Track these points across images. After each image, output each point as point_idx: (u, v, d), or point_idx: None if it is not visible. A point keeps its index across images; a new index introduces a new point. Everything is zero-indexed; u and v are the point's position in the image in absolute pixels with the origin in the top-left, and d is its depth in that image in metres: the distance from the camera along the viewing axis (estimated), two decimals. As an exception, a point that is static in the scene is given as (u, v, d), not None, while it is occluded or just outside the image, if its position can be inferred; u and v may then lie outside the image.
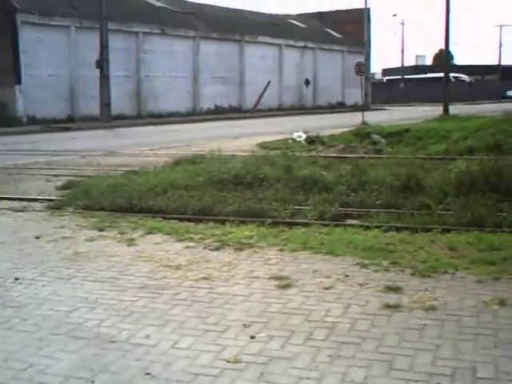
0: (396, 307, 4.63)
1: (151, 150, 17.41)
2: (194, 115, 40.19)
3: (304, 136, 18.56)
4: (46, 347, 4.11)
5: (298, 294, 4.99)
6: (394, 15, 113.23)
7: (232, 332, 4.27)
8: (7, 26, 32.46)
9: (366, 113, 28.03)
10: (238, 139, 20.88)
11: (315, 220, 7.48)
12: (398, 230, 6.93)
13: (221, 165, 10.58)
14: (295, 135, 18.85)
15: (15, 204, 9.35)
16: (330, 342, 4.06)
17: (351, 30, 55.20)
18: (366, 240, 6.49)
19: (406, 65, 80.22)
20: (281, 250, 6.29)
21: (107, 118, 32.29)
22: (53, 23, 34.11)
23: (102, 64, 32.43)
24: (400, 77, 73.55)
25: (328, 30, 57.93)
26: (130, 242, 6.75)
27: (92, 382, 3.62)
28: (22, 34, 32.66)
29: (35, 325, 4.51)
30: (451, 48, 36.25)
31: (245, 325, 4.38)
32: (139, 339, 4.19)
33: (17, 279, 5.59)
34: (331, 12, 59.97)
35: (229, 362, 3.81)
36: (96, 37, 32.83)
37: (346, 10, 57.28)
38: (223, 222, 7.45)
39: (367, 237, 6.64)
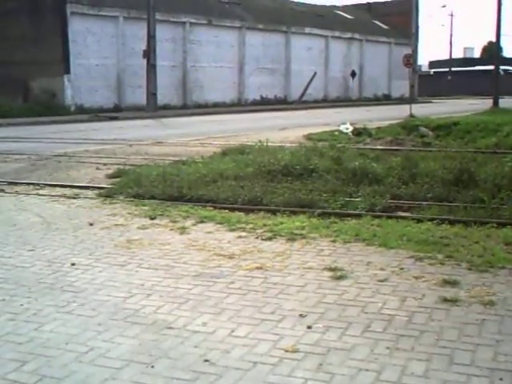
0: (454, 301, 4.57)
1: (197, 139, 17.50)
2: (239, 106, 40.28)
3: (351, 128, 18.44)
4: (106, 332, 4.17)
5: (353, 286, 4.96)
6: (443, 6, 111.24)
7: (288, 322, 4.27)
8: (57, 16, 32.94)
9: (412, 105, 27.69)
10: (284, 130, 20.85)
11: (366, 212, 7.43)
12: (451, 223, 6.83)
13: (270, 155, 10.57)
14: (342, 127, 18.75)
15: (67, 191, 9.51)
16: (388, 335, 4.03)
17: (399, 21, 54.61)
18: (420, 233, 6.42)
19: (453, 57, 78.97)
20: (333, 242, 6.26)
21: (153, 108, 32.56)
22: (101, 13, 34.50)
23: (149, 54, 32.68)
24: (447, 69, 72.49)
25: (375, 22, 57.37)
26: (182, 230, 6.80)
27: (152, 366, 3.66)
28: (72, 24, 33.12)
29: (93, 310, 4.57)
30: (501, 40, 35.53)
31: (301, 315, 4.37)
32: (196, 326, 4.22)
33: (73, 264, 5.68)
34: (380, 3, 59.43)
35: (287, 351, 3.81)
36: (143, 27, 33.10)
37: (395, 2, 56.61)
38: (274, 213, 7.45)
39: (420, 230, 6.56)
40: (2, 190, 9.70)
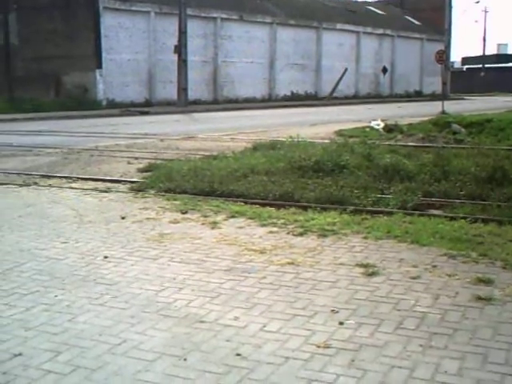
0: (488, 300, 4.52)
1: (228, 135, 17.54)
2: (269, 101, 40.27)
3: (382, 124, 18.32)
4: (138, 324, 4.20)
5: (385, 283, 4.93)
6: (477, 2, 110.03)
7: (320, 317, 4.26)
8: (90, 11, 33.23)
9: (444, 102, 27.42)
10: (315, 126, 20.80)
11: (398, 209, 7.38)
12: (484, 221, 6.75)
13: (301, 151, 10.55)
14: (373, 123, 18.64)
15: (99, 185, 9.59)
16: (421, 332, 4.00)
17: (431, 17, 54.11)
18: (453, 230, 6.36)
19: (487, 53, 77.99)
20: (365, 238, 6.23)
21: (184, 103, 32.70)
22: (133, 8, 34.72)
23: (180, 49, 32.81)
24: (480, 66, 71.61)
25: (407, 17, 56.91)
26: (214, 225, 6.82)
27: (185, 359, 3.68)
28: (104, 19, 33.38)
29: (126, 302, 4.61)
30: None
31: (333, 311, 4.36)
32: (228, 320, 4.23)
33: (106, 257, 5.73)
34: (412, -2, 58.90)
35: (319, 347, 3.81)
36: (175, 22, 33.24)
37: (427, -3, 56.11)
38: (305, 208, 7.43)
39: (453, 227, 6.49)
40: (36, 183, 9.82)
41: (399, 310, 4.37)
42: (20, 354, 3.78)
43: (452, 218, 6.88)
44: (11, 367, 3.62)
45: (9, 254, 5.92)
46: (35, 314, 4.41)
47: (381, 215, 7.15)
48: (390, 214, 7.18)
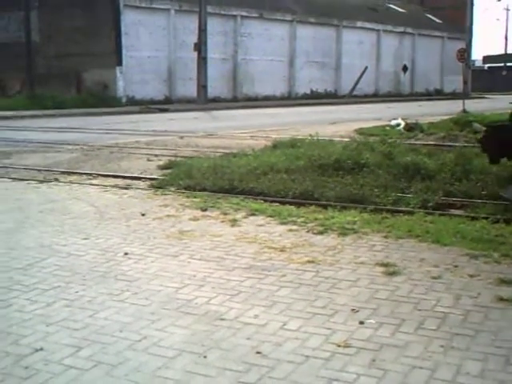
0: (510, 301, 4.47)
1: (248, 132, 17.54)
2: (289, 99, 40.23)
3: (402, 123, 18.21)
4: (159, 321, 4.21)
5: (406, 282, 4.90)
6: (499, 0, 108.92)
7: (340, 316, 4.24)
8: (110, 8, 33.38)
9: (465, 101, 27.22)
10: (335, 124, 20.74)
11: (418, 208, 7.33)
12: (506, 221, 6.69)
13: (320, 149, 10.52)
14: (393, 122, 18.54)
15: (119, 181, 9.64)
16: (442, 333, 3.97)
17: (452, 15, 53.72)
18: (474, 230, 6.30)
19: (509, 52, 77.30)
20: (385, 237, 6.20)
21: (204, 100, 32.75)
22: (153, 6, 34.83)
23: (200, 47, 32.87)
24: (502, 64, 71.00)
25: (428, 16, 56.56)
26: (233, 222, 6.82)
27: (205, 357, 3.68)
28: (124, 16, 33.53)
29: (146, 299, 4.62)
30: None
31: (353, 310, 4.34)
32: (248, 318, 4.23)
33: (126, 254, 5.75)
34: (433, -4, 58.53)
35: (339, 346, 3.79)
36: (195, 20, 33.31)
37: (449, -5, 55.74)
38: (325, 207, 7.40)
39: (475, 227, 6.44)
40: (57, 180, 9.88)
41: (420, 310, 4.34)
42: (41, 349, 3.81)
43: (473, 218, 6.82)
44: (33, 362, 3.65)
45: (30, 249, 5.96)
46: (56, 310, 4.44)
47: (401, 214, 7.11)
48: (410, 213, 7.13)
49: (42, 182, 9.73)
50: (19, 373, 3.52)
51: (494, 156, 7.89)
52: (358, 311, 4.33)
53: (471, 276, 5.03)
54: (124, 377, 3.47)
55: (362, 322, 4.14)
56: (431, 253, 5.67)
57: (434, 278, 4.99)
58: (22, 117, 24.71)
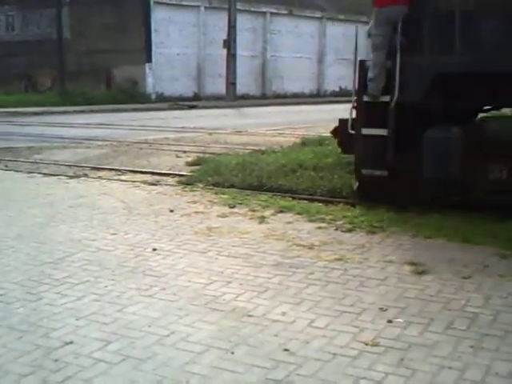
0: (541, 302, 4.42)
1: (276, 129, 17.52)
2: (318, 97, 40.08)
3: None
4: (186, 316, 4.23)
5: (435, 282, 4.86)
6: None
7: (368, 315, 4.22)
8: (140, 6, 33.54)
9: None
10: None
11: (448, 207, 7.24)
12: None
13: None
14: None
15: (148, 177, 9.70)
16: (472, 333, 3.93)
17: None
18: (505, 230, 6.22)
19: None
20: (414, 236, 6.15)
21: (232, 97, 32.76)
22: (183, 3, 34.89)
23: (230, 44, 32.87)
24: None
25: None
26: (262, 219, 6.82)
27: (232, 353, 3.69)
28: (155, 13, 33.64)
29: (174, 294, 4.65)
30: None
31: (381, 308, 4.32)
32: (276, 315, 4.23)
33: (154, 250, 5.78)
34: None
35: (367, 344, 3.77)
36: (224, 17, 33.31)
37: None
38: (353, 205, 7.37)
39: (506, 227, 6.35)
40: (86, 175, 9.97)
41: (449, 310, 4.30)
42: (71, 342, 3.85)
43: (504, 217, 6.73)
44: (63, 355, 3.69)
45: (60, 243, 6.02)
46: (86, 304, 4.48)
47: (430, 213, 7.03)
48: (439, 212, 7.06)
49: (71, 177, 9.83)
50: (49, 365, 3.57)
51: (345, 147, 7.98)
52: (386, 310, 4.31)
53: (501, 276, 4.98)
54: (152, 371, 3.49)
55: (390, 321, 4.12)
56: (461, 252, 5.62)
57: (464, 277, 4.95)
58: (53, 113, 24.95)
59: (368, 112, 7.17)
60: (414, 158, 6.84)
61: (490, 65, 6.55)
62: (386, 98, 6.98)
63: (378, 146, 7.03)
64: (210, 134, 16.67)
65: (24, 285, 4.89)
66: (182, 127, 18.58)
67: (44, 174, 10.27)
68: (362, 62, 7.28)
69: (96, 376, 3.45)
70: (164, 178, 9.68)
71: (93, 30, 34.56)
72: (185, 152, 12.59)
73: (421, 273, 5.05)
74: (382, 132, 7.01)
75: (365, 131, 7.15)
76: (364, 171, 7.24)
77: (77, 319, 4.20)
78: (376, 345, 3.77)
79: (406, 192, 7.20)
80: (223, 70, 33.51)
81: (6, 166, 11.12)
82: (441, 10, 6.82)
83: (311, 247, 5.75)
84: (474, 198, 6.99)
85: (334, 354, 3.66)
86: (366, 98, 7.17)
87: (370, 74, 7.08)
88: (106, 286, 4.82)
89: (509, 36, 6.53)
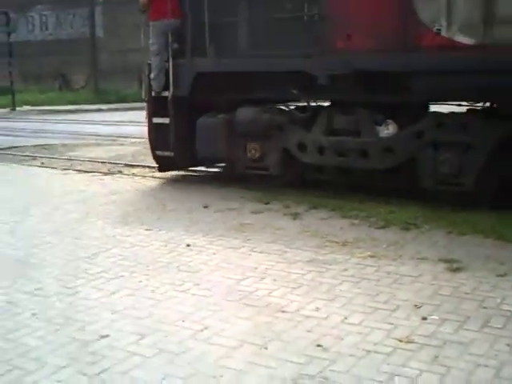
0: None
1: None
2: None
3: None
4: (220, 312, 4.25)
5: (470, 279, 4.81)
6: None
7: (403, 312, 4.20)
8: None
9: None
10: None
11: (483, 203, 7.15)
12: None
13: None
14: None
15: (181, 174, 9.73)
16: (508, 331, 3.87)
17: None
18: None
19: None
20: (448, 233, 6.09)
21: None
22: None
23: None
24: None
25: None
26: (295, 216, 6.82)
27: (265, 348, 3.70)
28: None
29: (208, 290, 4.67)
30: None
31: (416, 305, 4.29)
32: (309, 311, 4.23)
33: (188, 245, 5.82)
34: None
35: (401, 341, 3.75)
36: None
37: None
38: (387, 202, 7.31)
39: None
40: (120, 172, 10.06)
41: (485, 308, 4.25)
42: (107, 336, 3.90)
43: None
44: (99, 348, 3.74)
45: (95, 239, 6.09)
46: (121, 298, 4.53)
47: (465, 210, 6.95)
48: (475, 210, 6.97)
49: (106, 174, 9.93)
50: (85, 358, 3.62)
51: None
52: (420, 307, 4.27)
53: (539, 274, 4.91)
54: (186, 365, 3.52)
55: (424, 318, 4.08)
56: (497, 250, 5.55)
57: (500, 275, 4.88)
58: (87, 111, 25.23)
59: (155, 104, 8.94)
60: (192, 141, 8.59)
61: (233, 65, 8.19)
62: (166, 93, 8.70)
63: (164, 132, 8.77)
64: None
65: (60, 279, 4.97)
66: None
67: (78, 170, 10.39)
68: (149, 65, 8.92)
69: (131, 369, 3.49)
70: (197, 174, 9.71)
71: (125, 28, 34.79)
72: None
73: (455, 270, 5.00)
74: (166, 120, 8.76)
75: (154, 120, 8.98)
76: (158, 152, 9.09)
77: (112, 313, 4.25)
78: (410, 342, 3.75)
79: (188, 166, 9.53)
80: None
81: (42, 163, 11.29)
82: (197, 23, 8.32)
83: (344, 244, 5.74)
84: (237, 172, 8.76)
85: (368, 351, 3.64)
86: (153, 94, 8.91)
87: (152, 75, 8.80)
88: (140, 281, 4.87)
89: (249, 42, 8.16)
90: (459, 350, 3.64)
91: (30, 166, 11.21)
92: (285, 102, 8.69)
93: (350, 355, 3.59)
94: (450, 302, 4.36)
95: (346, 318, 4.11)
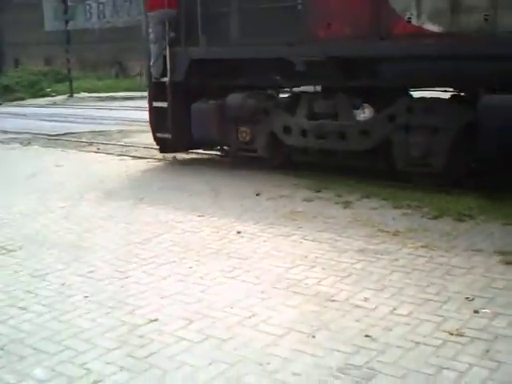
0: None
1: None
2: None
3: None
4: (268, 299, 4.25)
5: (526, 272, 4.69)
6: None
7: (453, 304, 4.12)
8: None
9: None
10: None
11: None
12: None
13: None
14: None
15: (235, 161, 9.74)
16: None
17: None
18: None
19: None
20: (505, 224, 5.93)
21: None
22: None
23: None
24: None
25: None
26: (347, 204, 6.77)
27: (313, 336, 3.69)
28: None
29: (257, 277, 4.68)
30: None
31: (467, 298, 4.21)
32: (358, 301, 4.19)
33: (239, 232, 5.84)
34: None
35: (451, 334, 3.68)
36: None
37: None
38: (441, 192, 7.19)
39: None
40: (174, 158, 10.15)
41: (541, 302, 4.14)
42: (156, 320, 3.95)
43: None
44: (147, 331, 3.79)
45: (148, 224, 6.17)
46: (171, 283, 4.59)
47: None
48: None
49: (160, 160, 10.03)
50: (134, 341, 3.67)
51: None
52: (472, 299, 4.19)
53: None
54: (233, 351, 3.53)
55: (476, 311, 4.00)
56: (556, 242, 5.39)
57: (558, 269, 4.75)
58: (143, 97, 25.48)
59: (155, 89, 9.58)
60: (189, 125, 9.18)
61: (222, 53, 8.79)
62: (165, 79, 9.29)
63: (164, 116, 9.37)
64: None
65: (112, 263, 5.05)
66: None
67: (133, 156, 10.54)
68: (149, 52, 9.50)
69: (178, 353, 3.52)
70: (252, 161, 9.71)
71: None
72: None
73: (510, 263, 4.88)
74: (165, 104, 9.35)
75: (154, 104, 9.63)
76: (158, 134, 9.74)
77: (161, 298, 4.31)
78: (461, 335, 3.68)
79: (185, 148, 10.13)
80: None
81: (98, 149, 11.49)
82: (190, 13, 8.86)
83: (396, 233, 5.66)
84: (230, 154, 9.59)
85: (417, 343, 3.59)
86: (152, 79, 9.57)
87: (151, 62, 9.41)
88: (190, 267, 4.91)
89: (237, 32, 8.61)
90: (511, 345, 3.56)
91: (87, 151, 11.42)
92: (276, 87, 9.13)
93: (398, 346, 3.55)
94: (504, 295, 4.26)
95: (395, 309, 4.06)
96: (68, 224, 6.30)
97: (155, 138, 9.89)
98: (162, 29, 9.18)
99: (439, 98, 7.67)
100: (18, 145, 12.71)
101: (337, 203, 6.83)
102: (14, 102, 26.52)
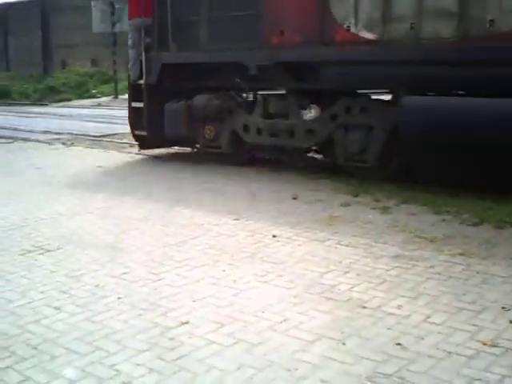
0: None
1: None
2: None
3: None
4: (300, 304, 4.23)
5: None
6: None
7: (489, 313, 4.04)
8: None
9: None
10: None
11: None
12: None
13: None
14: None
15: (272, 165, 9.73)
16: None
17: None
18: None
19: None
20: (548, 233, 5.81)
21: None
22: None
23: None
24: None
25: None
26: (384, 210, 6.70)
27: (343, 343, 3.65)
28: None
29: (290, 282, 4.66)
30: None
31: (504, 308, 4.12)
32: (391, 308, 4.14)
33: (274, 236, 5.83)
34: None
35: (485, 344, 3.61)
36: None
37: None
38: (482, 198, 7.06)
39: None
40: (214, 161, 10.17)
41: None
42: (187, 323, 3.96)
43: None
44: (178, 334, 3.80)
45: (184, 227, 6.20)
46: (203, 286, 4.59)
47: None
48: None
49: (201, 163, 10.06)
50: (165, 343, 3.69)
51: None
52: (509, 310, 4.10)
53: None
54: (263, 356, 3.52)
55: (512, 321, 3.93)
56: None
57: None
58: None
59: (133, 91, 10.67)
60: (163, 123, 10.03)
61: (188, 58, 9.69)
62: (141, 81, 10.27)
63: (141, 115, 10.36)
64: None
65: (147, 265, 5.09)
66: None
67: (175, 159, 10.60)
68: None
69: (208, 357, 3.52)
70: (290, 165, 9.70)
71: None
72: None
73: (550, 273, 4.77)
74: (141, 105, 10.35)
75: (133, 104, 10.64)
76: (136, 132, 10.74)
77: (194, 301, 4.32)
78: (495, 345, 3.60)
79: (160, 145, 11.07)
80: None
81: (139, 151, 11.59)
82: (162, 22, 9.83)
83: (433, 240, 5.58)
84: (199, 151, 10.55)
85: (449, 352, 3.53)
86: (131, 81, 10.72)
87: (129, 65, 10.55)
88: (223, 270, 4.92)
89: (205, 38, 9.42)
90: (547, 357, 3.47)
91: (128, 153, 11.56)
92: (238, 89, 9.86)
93: (430, 356, 3.49)
94: (542, 305, 4.16)
95: (428, 317, 4.00)
96: (105, 224, 6.37)
97: (134, 135, 10.92)
98: (138, 35, 10.26)
99: (375, 99, 8.46)
100: (60, 145, 12.95)
101: (374, 208, 6.77)
102: (60, 103, 27.02)
